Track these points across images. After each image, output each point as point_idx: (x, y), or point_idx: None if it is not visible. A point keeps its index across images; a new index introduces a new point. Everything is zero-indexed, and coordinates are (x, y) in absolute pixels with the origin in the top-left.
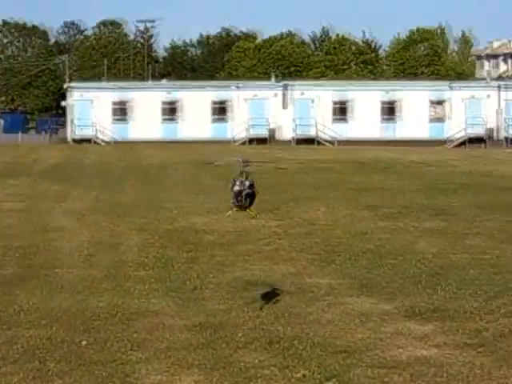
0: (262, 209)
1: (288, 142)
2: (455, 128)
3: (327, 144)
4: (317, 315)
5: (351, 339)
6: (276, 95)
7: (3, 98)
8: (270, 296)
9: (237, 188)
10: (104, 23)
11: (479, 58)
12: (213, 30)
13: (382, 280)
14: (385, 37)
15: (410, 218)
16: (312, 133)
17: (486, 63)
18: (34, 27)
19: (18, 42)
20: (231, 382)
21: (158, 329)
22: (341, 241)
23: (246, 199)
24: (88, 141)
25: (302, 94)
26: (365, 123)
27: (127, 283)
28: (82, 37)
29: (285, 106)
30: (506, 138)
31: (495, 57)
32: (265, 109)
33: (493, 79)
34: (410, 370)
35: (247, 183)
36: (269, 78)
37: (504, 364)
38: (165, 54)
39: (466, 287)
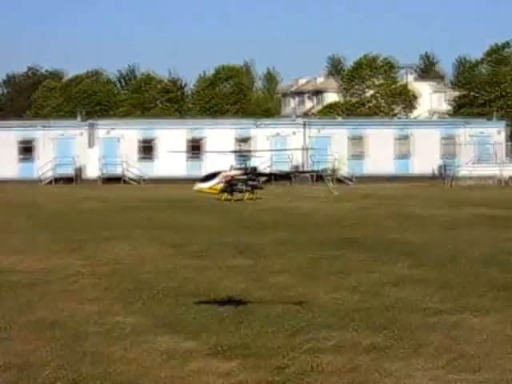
0: (68, 248)
1: (95, 181)
2: (260, 165)
3: (133, 182)
4: (121, 354)
5: (155, 378)
6: (82, 134)
7: None
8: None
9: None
10: None
11: (285, 95)
12: (19, 68)
13: (187, 318)
14: (191, 75)
15: (216, 255)
16: (118, 171)
17: (291, 100)
18: None
19: None
20: None
21: None
22: (146, 279)
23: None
24: None
25: (108, 132)
26: (171, 161)
27: None
28: None
29: (91, 145)
30: (312, 175)
31: (301, 94)
32: (71, 148)
33: (298, 116)
34: None
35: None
36: (75, 117)
37: None
38: None
39: (270, 324)
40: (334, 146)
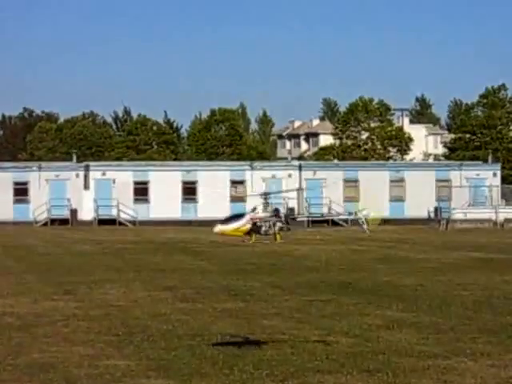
0: (61, 290)
1: (90, 223)
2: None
3: (129, 224)
4: None
5: None
6: (77, 176)
7: None
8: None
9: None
10: None
11: (280, 137)
12: (14, 110)
13: (180, 361)
14: (186, 117)
15: (208, 298)
16: (113, 213)
17: (287, 142)
18: None
19: None
20: None
21: None
22: (139, 322)
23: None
24: None
25: (104, 174)
26: (166, 203)
27: None
28: None
29: (86, 187)
30: (308, 218)
31: (296, 136)
32: (66, 189)
33: (293, 158)
34: None
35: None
36: (71, 159)
37: None
38: None
39: (263, 368)
40: (329, 189)
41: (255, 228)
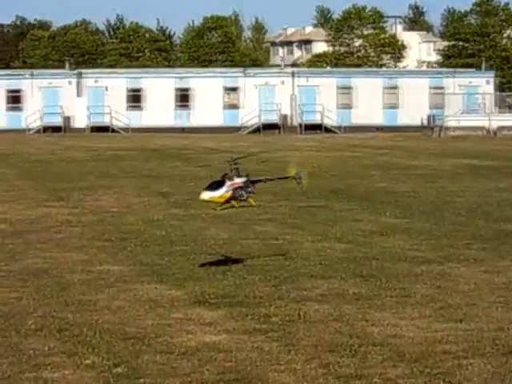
0: (54, 197)
1: (82, 130)
2: (249, 115)
3: (122, 132)
4: (107, 302)
5: (140, 326)
6: (70, 83)
7: None
8: None
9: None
10: None
11: (273, 44)
12: (6, 18)
13: (173, 266)
14: (179, 25)
15: (202, 204)
16: (106, 121)
17: (280, 50)
18: None
19: None
20: (20, 369)
21: None
22: (133, 228)
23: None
24: None
25: (96, 81)
26: (159, 111)
27: None
28: None
29: (79, 94)
30: (300, 125)
31: (289, 43)
32: (59, 97)
33: (287, 66)
34: (199, 356)
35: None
36: (63, 67)
37: (292, 349)
38: None
39: (256, 273)
40: (322, 96)
41: (235, 194)
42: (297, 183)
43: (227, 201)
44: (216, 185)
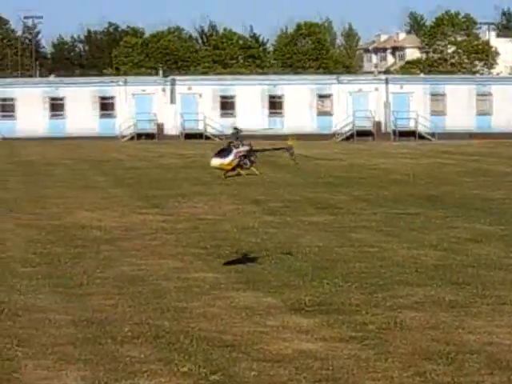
0: (148, 204)
1: (176, 137)
2: (342, 122)
3: (215, 138)
4: (202, 309)
5: (237, 333)
6: (163, 90)
7: None
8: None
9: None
10: None
11: (366, 51)
12: (99, 25)
13: (268, 274)
14: (271, 31)
15: (297, 212)
16: (200, 127)
17: (373, 56)
18: None
19: None
20: (116, 377)
21: (45, 324)
22: (227, 235)
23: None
24: None
25: (189, 88)
26: (252, 117)
27: (14, 279)
28: None
29: (172, 101)
30: (394, 131)
31: (383, 50)
32: (152, 104)
33: (380, 72)
34: (296, 364)
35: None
36: (156, 73)
37: (388, 356)
38: (52, 51)
39: (351, 280)
40: (416, 103)
41: (241, 162)
42: (289, 154)
43: (233, 168)
44: (224, 152)
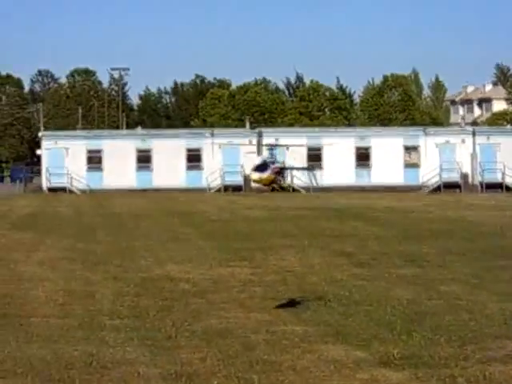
0: (236, 257)
1: (263, 190)
2: (430, 173)
3: (302, 191)
4: (292, 363)
5: None
6: (250, 142)
7: None
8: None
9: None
10: (77, 71)
11: (453, 103)
12: (186, 77)
13: (357, 327)
14: (358, 83)
15: (385, 264)
16: (287, 179)
17: (460, 108)
18: (8, 76)
19: None
20: None
21: (133, 377)
22: (315, 288)
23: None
24: (63, 189)
25: (276, 140)
26: (339, 170)
27: (102, 332)
28: (55, 85)
29: (260, 153)
30: (481, 183)
31: (469, 102)
32: (239, 156)
33: (467, 124)
34: None
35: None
36: (243, 125)
37: None
38: (139, 102)
39: (440, 333)
40: (503, 154)
41: (276, 178)
42: (312, 175)
43: (270, 183)
44: (262, 167)
